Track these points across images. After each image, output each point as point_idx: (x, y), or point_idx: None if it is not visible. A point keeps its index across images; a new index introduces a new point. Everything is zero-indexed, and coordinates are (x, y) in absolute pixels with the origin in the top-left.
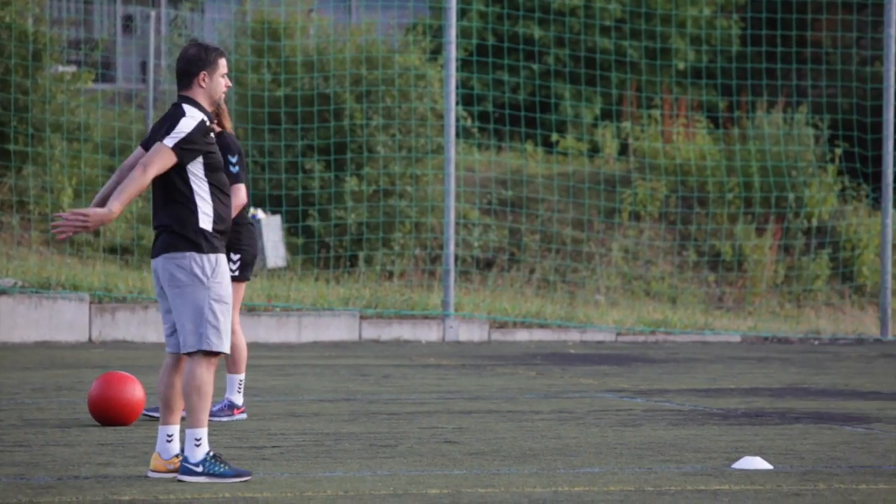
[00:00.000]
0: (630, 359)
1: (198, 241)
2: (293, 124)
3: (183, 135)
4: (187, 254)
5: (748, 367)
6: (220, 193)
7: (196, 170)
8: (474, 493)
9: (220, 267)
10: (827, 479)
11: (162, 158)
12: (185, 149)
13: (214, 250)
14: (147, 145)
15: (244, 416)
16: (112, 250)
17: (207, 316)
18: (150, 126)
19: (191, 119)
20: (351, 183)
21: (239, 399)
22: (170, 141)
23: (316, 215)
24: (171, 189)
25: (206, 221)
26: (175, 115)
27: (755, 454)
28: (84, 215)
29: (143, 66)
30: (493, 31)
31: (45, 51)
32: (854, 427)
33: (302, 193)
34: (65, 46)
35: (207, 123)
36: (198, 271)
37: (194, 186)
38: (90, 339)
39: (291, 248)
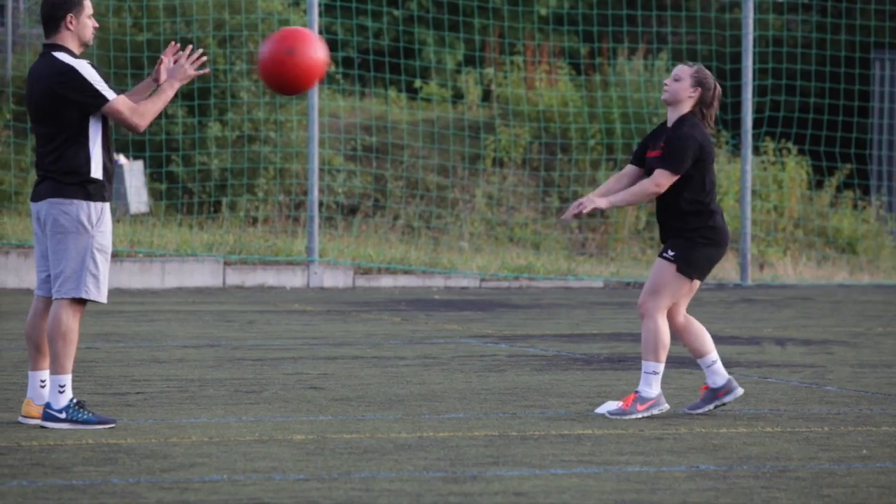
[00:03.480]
0: (494, 304)
1: (88, 189)
2: None
3: (102, 81)
4: (75, 201)
5: (611, 313)
6: (109, 139)
7: (96, 115)
8: (339, 438)
9: (104, 216)
10: (688, 423)
11: (125, 104)
12: (111, 89)
13: (102, 199)
14: (28, 106)
15: None
16: None
17: (88, 264)
18: (12, 74)
19: (84, 67)
20: (214, 129)
21: None
22: (109, 94)
23: (179, 161)
24: (64, 134)
25: (97, 170)
26: (59, 68)
27: (618, 399)
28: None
29: (1, 9)
30: None
31: None
32: None
33: (165, 139)
34: None
35: (92, 64)
36: (84, 219)
37: (90, 132)
38: None
39: (154, 194)
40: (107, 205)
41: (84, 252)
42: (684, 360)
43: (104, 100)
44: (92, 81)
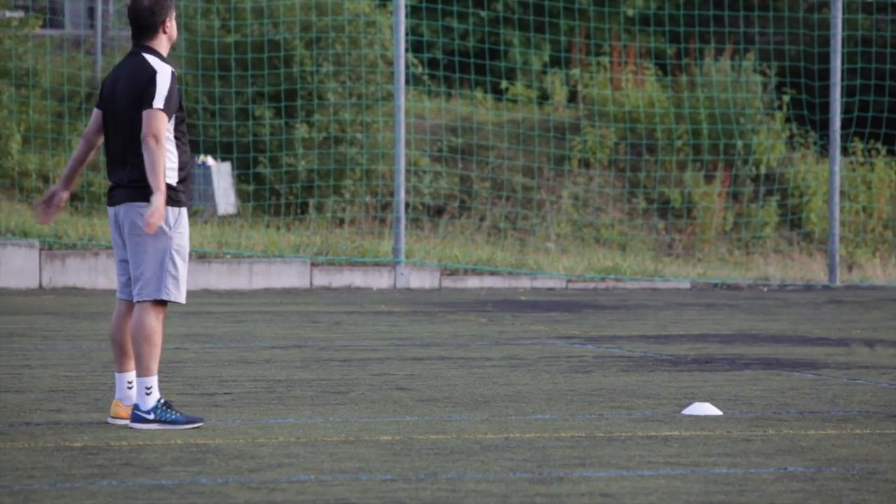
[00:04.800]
0: (580, 305)
1: (166, 195)
2: (243, 71)
3: (165, 93)
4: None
5: (698, 314)
6: (184, 143)
7: (168, 124)
8: (426, 439)
9: (182, 218)
10: (776, 425)
11: (162, 123)
12: (171, 106)
13: (179, 204)
14: (107, 105)
15: None
16: None
17: (168, 266)
18: (101, 77)
19: (164, 74)
20: (301, 130)
21: None
22: (159, 103)
23: (266, 162)
24: (136, 143)
25: (171, 176)
26: (145, 72)
27: (705, 400)
28: (157, 214)
29: (91, 12)
30: None
31: None
32: (802, 373)
33: (252, 140)
34: None
35: (175, 73)
36: (161, 221)
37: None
38: (41, 286)
39: (242, 195)
40: (184, 209)
41: (163, 254)
42: (771, 361)
43: (150, 104)
44: (159, 87)
